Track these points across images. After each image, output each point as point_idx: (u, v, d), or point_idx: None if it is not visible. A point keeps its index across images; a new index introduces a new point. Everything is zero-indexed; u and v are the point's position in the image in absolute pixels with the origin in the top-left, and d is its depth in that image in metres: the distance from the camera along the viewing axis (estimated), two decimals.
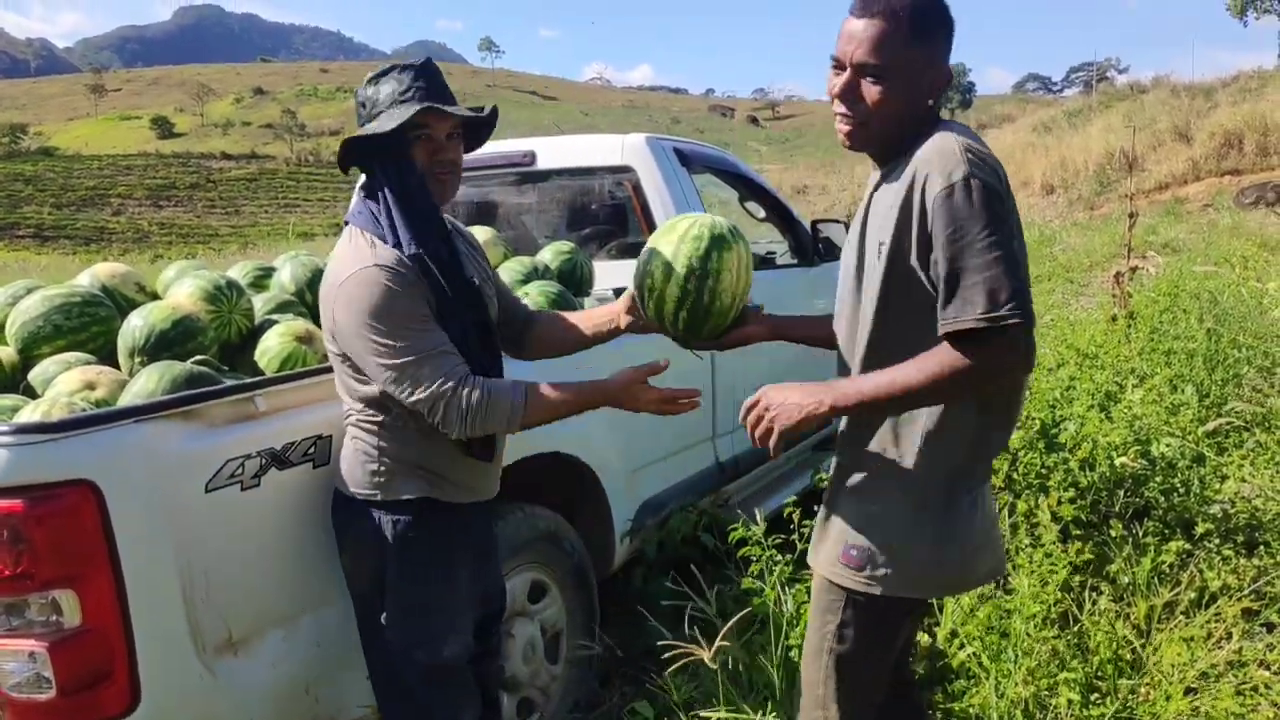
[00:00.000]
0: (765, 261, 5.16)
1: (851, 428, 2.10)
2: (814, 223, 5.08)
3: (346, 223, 2.32)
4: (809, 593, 2.98)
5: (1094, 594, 3.36)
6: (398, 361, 2.08)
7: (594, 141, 4.38)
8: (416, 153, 2.22)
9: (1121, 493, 3.90)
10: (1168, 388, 5.15)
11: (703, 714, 2.76)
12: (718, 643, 2.48)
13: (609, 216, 4.56)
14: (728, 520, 3.38)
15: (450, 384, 2.10)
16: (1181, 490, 4.04)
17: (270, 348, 2.93)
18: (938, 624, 3.21)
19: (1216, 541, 3.76)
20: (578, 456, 3.21)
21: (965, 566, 2.03)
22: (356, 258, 2.15)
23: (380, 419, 2.25)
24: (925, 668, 3.07)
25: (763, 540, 3.13)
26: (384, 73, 2.26)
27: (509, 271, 3.74)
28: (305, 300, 3.36)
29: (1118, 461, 3.92)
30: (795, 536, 3.15)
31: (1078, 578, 3.39)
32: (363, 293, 2.09)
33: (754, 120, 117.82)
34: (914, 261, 1.82)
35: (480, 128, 2.41)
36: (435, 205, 2.29)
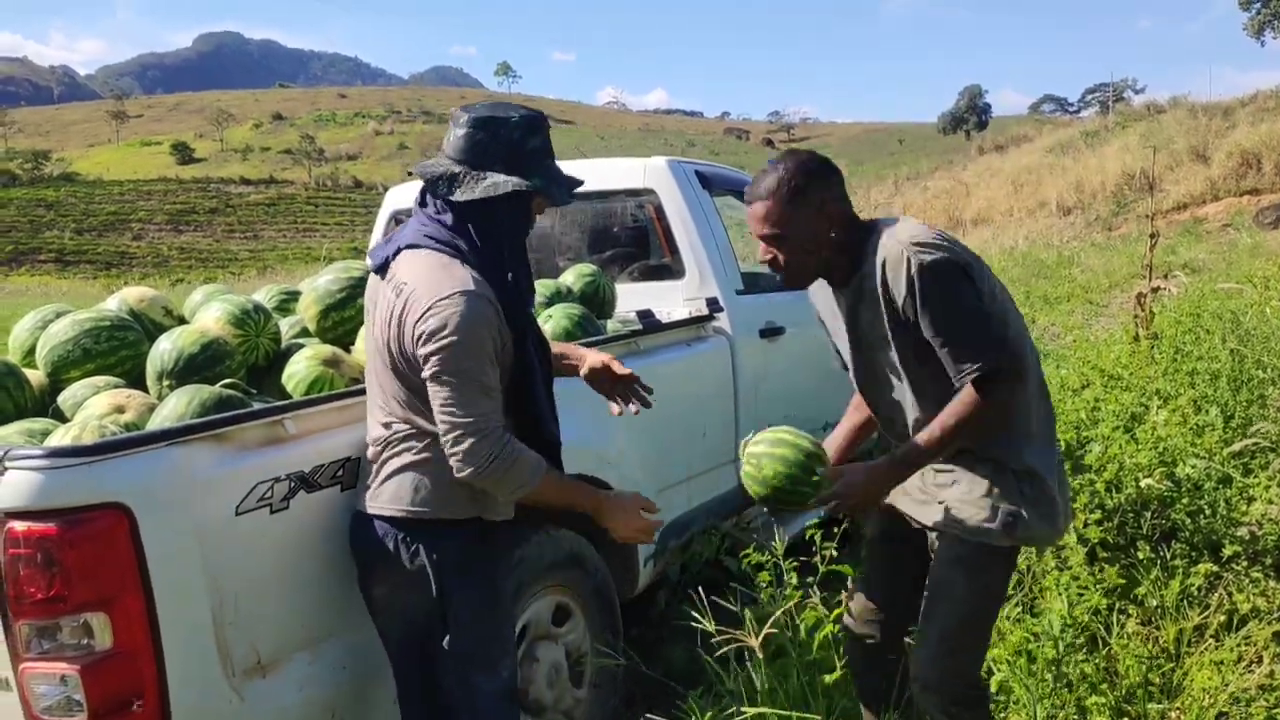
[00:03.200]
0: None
1: None
2: None
3: (411, 246, 2.31)
4: (820, 618, 2.98)
5: (1122, 617, 3.33)
6: (465, 383, 2.13)
7: (616, 165, 4.41)
8: (532, 210, 2.38)
9: (1148, 514, 3.86)
10: (1192, 409, 5.11)
11: None
12: (765, 629, 2.57)
13: (631, 239, 4.58)
14: (750, 542, 3.37)
15: (496, 423, 2.17)
16: (1208, 512, 4.00)
17: (297, 371, 2.95)
18: None
19: (1245, 564, 3.72)
20: (602, 478, 3.21)
21: (1064, 519, 2.48)
22: (455, 278, 2.19)
23: (437, 446, 2.25)
24: None
25: (780, 564, 3.12)
26: (534, 123, 2.32)
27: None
28: None
29: (1144, 483, 3.89)
30: (816, 559, 3.13)
31: (1106, 601, 3.36)
32: (466, 311, 2.13)
33: (769, 143, 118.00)
34: (922, 335, 2.26)
35: None
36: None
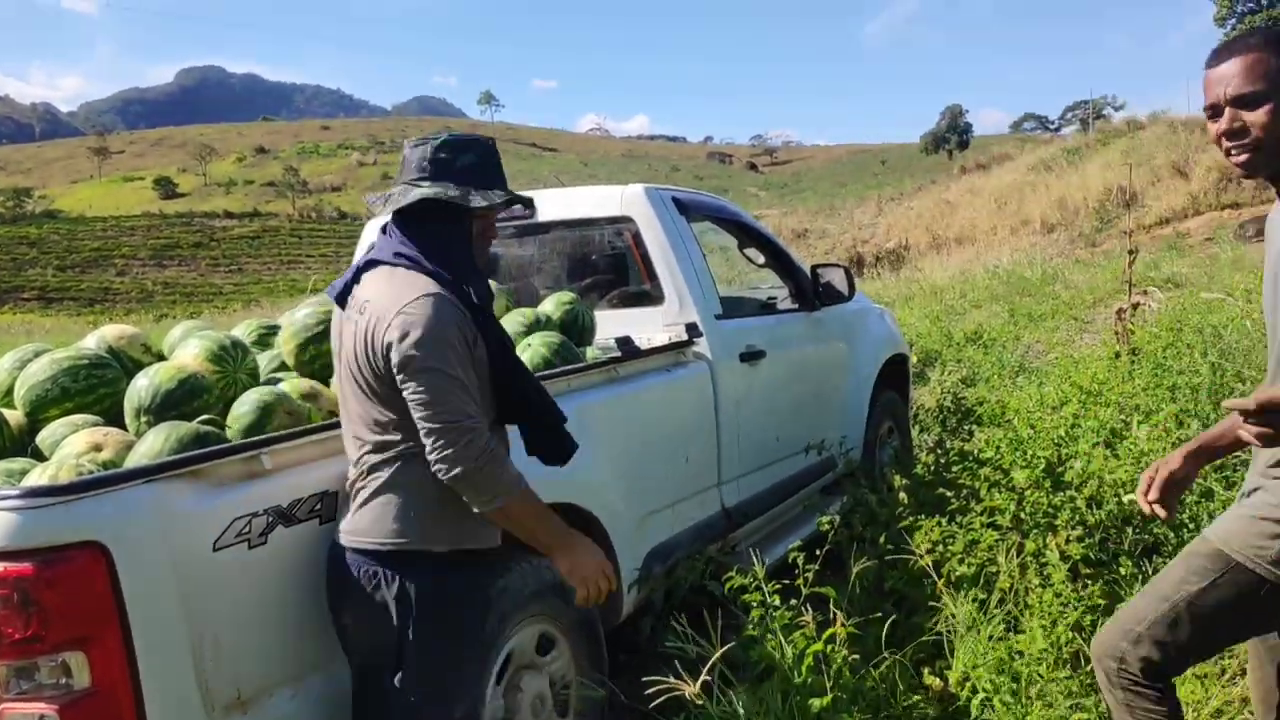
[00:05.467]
0: (766, 307, 5.20)
1: None
2: (814, 268, 5.11)
3: (371, 264, 2.37)
4: (808, 639, 2.98)
5: None
6: (440, 381, 2.15)
7: (593, 193, 4.43)
8: (475, 221, 2.39)
9: (1130, 530, 3.88)
10: (1173, 423, 5.14)
11: None
12: (701, 677, 2.54)
13: (609, 266, 4.60)
14: (734, 567, 3.37)
15: (479, 421, 2.19)
16: (1190, 526, 4.02)
17: (243, 414, 2.92)
18: (949, 667, 3.19)
19: None
20: (584, 506, 3.21)
21: None
22: (415, 285, 2.23)
23: (418, 468, 2.25)
24: (937, 710, 3.05)
25: (763, 587, 3.12)
26: (465, 143, 2.38)
27: (511, 324, 3.77)
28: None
29: (1125, 499, 3.91)
30: (800, 581, 3.14)
31: (1089, 617, 3.37)
32: (430, 312, 2.17)
33: (753, 166, 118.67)
34: None
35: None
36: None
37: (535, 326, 3.74)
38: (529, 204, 2.55)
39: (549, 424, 2.49)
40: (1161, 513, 2.28)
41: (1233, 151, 1.99)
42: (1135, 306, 6.62)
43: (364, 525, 2.29)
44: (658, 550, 3.66)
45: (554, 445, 2.51)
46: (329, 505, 2.45)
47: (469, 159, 2.33)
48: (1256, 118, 1.93)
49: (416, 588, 2.27)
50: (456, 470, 2.15)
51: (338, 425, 2.50)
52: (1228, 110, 1.96)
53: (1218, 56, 1.99)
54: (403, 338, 2.16)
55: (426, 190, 2.29)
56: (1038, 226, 31.26)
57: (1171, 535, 3.93)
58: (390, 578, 2.27)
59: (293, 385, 3.01)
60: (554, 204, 4.41)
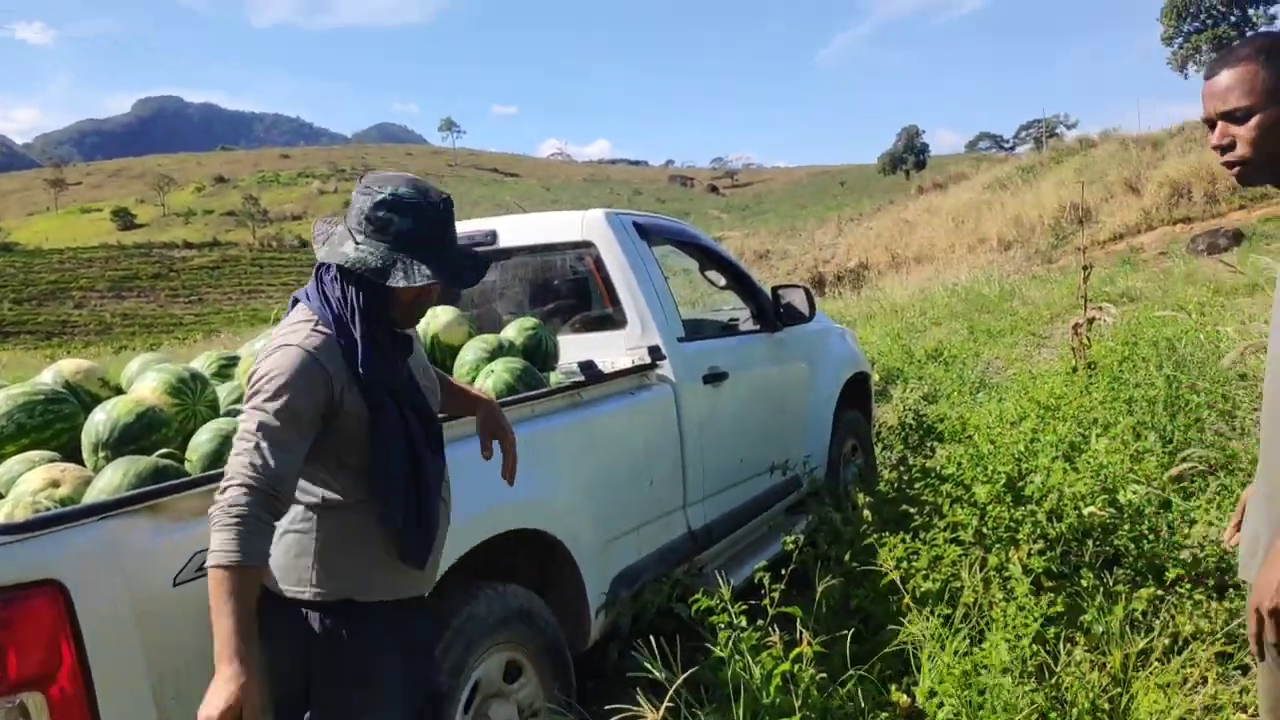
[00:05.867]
0: (729, 329, 5.23)
1: None
2: (775, 289, 5.16)
3: (297, 299, 2.31)
4: (775, 659, 2.99)
5: (1069, 645, 3.37)
6: (255, 433, 2.03)
7: (554, 219, 4.45)
8: (407, 291, 2.20)
9: (1091, 542, 3.93)
10: (1131, 435, 5.22)
11: None
12: (665, 702, 2.48)
13: (572, 291, 4.61)
14: (701, 589, 3.37)
15: (265, 484, 2.00)
16: (1151, 537, 4.08)
17: (200, 444, 2.90)
18: (916, 683, 3.21)
19: (1188, 586, 3.79)
20: (550, 532, 3.21)
21: None
22: (290, 333, 2.17)
23: (313, 516, 2.20)
24: None
25: (729, 608, 3.13)
26: (405, 205, 2.17)
27: (474, 350, 3.77)
28: None
29: (1085, 511, 3.96)
30: (766, 601, 3.15)
31: (1052, 629, 3.40)
32: (284, 363, 2.08)
33: (714, 189, 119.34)
34: None
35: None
36: (402, 332, 2.31)
37: (498, 352, 3.74)
38: (467, 279, 2.28)
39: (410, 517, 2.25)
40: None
41: (1226, 163, 2.02)
42: (1091, 322, 6.72)
43: (272, 565, 2.19)
44: (624, 574, 3.65)
45: (407, 542, 2.25)
46: None
47: (407, 224, 2.15)
48: (1243, 132, 1.94)
49: (318, 630, 2.19)
50: (216, 508, 2.00)
51: None
52: (1219, 124, 1.98)
53: (1213, 68, 2.00)
54: (251, 375, 2.13)
55: (350, 254, 2.15)
56: (995, 244, 31.65)
57: (1132, 547, 3.99)
58: (298, 618, 2.19)
59: None
60: (516, 230, 4.42)
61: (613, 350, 4.17)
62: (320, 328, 2.17)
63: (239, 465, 2.01)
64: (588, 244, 4.21)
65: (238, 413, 3.08)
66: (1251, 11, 62.87)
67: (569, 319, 4.50)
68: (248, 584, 1.98)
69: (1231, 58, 1.95)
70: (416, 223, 2.16)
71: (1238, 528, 2.27)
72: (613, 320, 4.26)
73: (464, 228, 4.48)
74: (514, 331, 3.98)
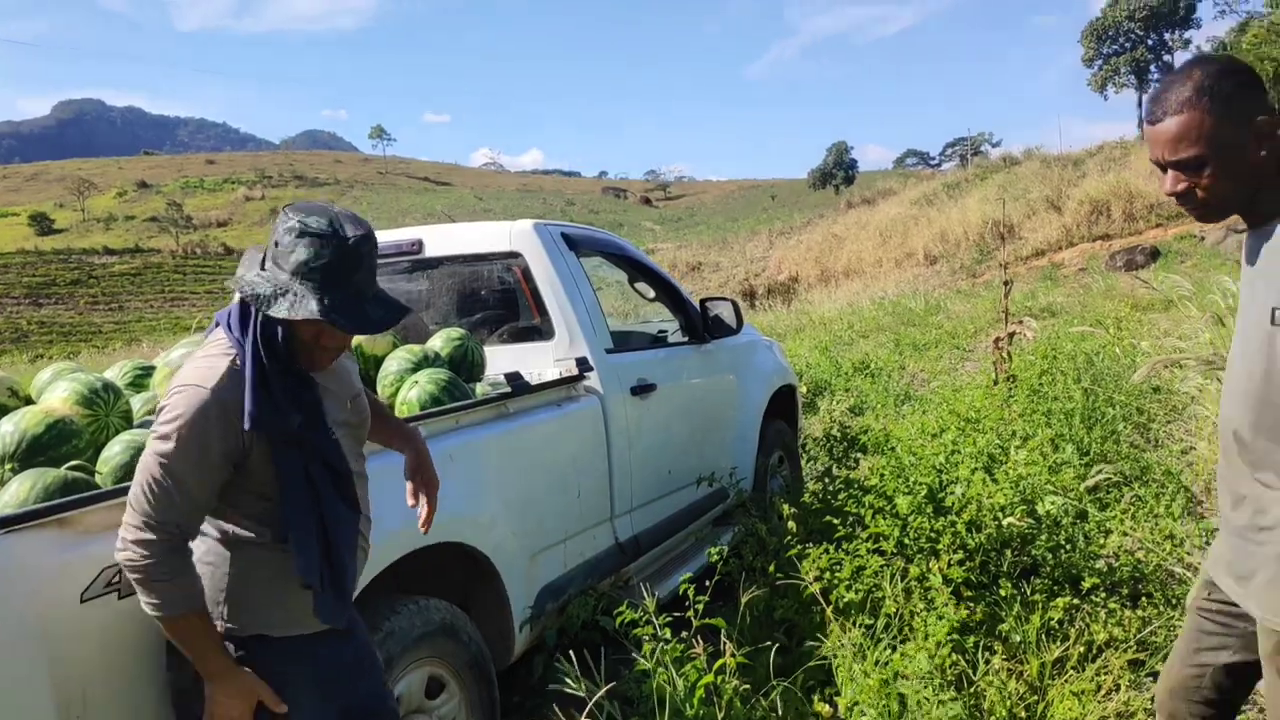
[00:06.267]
0: (657, 341, 5.24)
1: None
2: (703, 301, 5.19)
3: (216, 322, 2.22)
4: (699, 671, 2.99)
5: (988, 654, 3.43)
6: (155, 481, 1.99)
7: (482, 229, 4.42)
8: (300, 326, 2.10)
9: (1009, 552, 4.00)
10: (1049, 447, 5.33)
11: None
12: (584, 715, 2.47)
13: (499, 302, 4.59)
14: (626, 601, 3.37)
15: (170, 531, 2.00)
16: (1068, 547, 4.17)
17: (113, 455, 2.82)
18: (839, 693, 3.24)
19: (1103, 595, 3.88)
20: (473, 545, 3.18)
21: None
22: (200, 371, 2.07)
23: (226, 553, 2.15)
24: None
25: (654, 620, 3.13)
26: (316, 237, 2.03)
27: (398, 360, 3.73)
28: None
29: (1005, 522, 4.04)
30: (690, 614, 3.15)
31: (971, 638, 3.46)
32: (185, 407, 2.01)
33: (647, 201, 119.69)
34: None
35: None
36: (302, 371, 2.18)
37: (423, 363, 3.70)
38: (369, 323, 2.10)
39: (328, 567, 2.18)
40: None
41: (1185, 209, 2.01)
42: (1011, 336, 6.87)
43: None
44: (550, 587, 3.64)
45: (320, 604, 2.17)
46: None
47: (309, 254, 2.01)
48: (1200, 180, 1.92)
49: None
50: (125, 568, 1.99)
51: None
52: (1171, 172, 1.95)
53: (1154, 110, 1.96)
54: (161, 407, 2.06)
55: (246, 278, 2.06)
56: (921, 259, 32.26)
57: (1050, 556, 4.07)
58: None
59: None
60: (442, 240, 4.39)
61: (540, 362, 4.15)
62: (235, 363, 2.09)
63: (143, 509, 1.99)
64: (515, 254, 4.19)
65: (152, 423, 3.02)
66: (1167, 36, 65.00)
67: (496, 330, 4.48)
68: (206, 623, 2.06)
69: (1173, 99, 1.91)
70: (319, 254, 2.02)
71: None
72: (540, 331, 4.24)
73: (389, 237, 4.43)
74: (440, 342, 3.94)
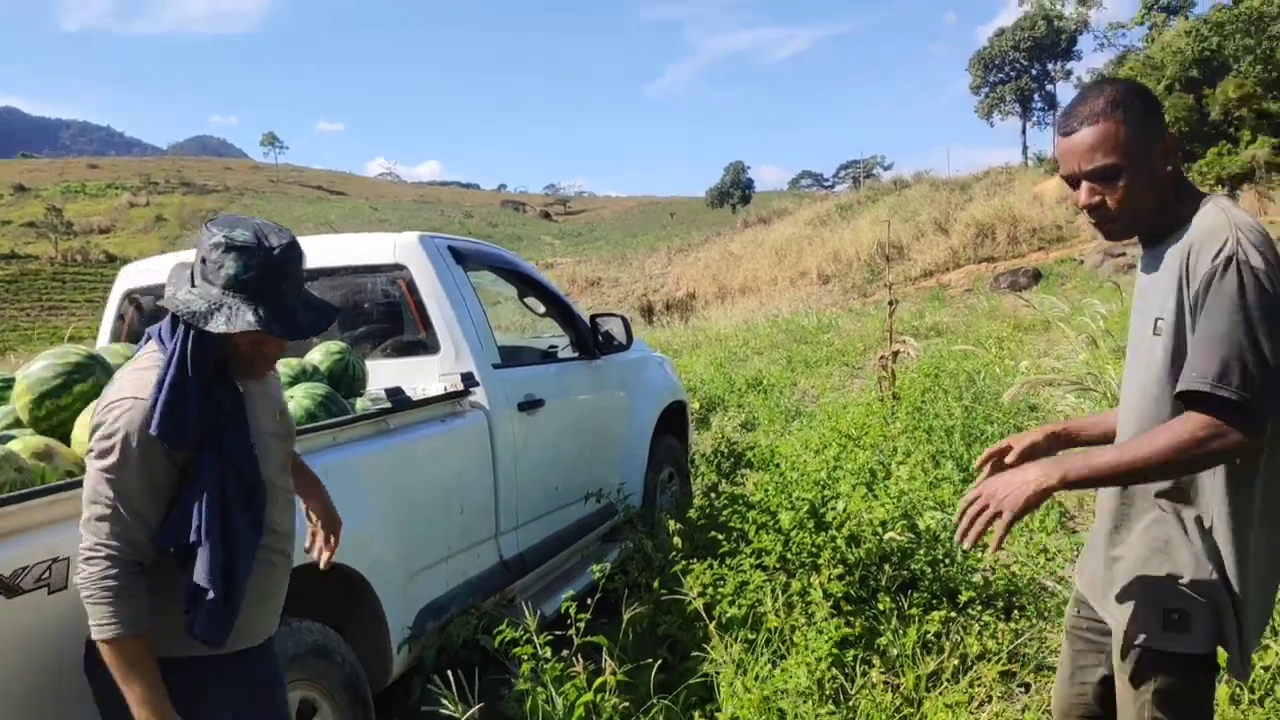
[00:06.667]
0: (547, 356, 5.22)
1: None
2: (593, 317, 5.18)
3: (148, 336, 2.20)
4: (579, 690, 2.97)
5: (866, 667, 3.48)
6: (107, 491, 2.00)
7: (366, 240, 4.34)
8: (242, 339, 2.11)
9: (889, 567, 4.08)
10: (930, 463, 5.47)
11: None
12: None
13: (383, 315, 4.50)
14: (507, 620, 3.33)
15: (117, 549, 2.00)
16: (946, 561, 4.27)
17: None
18: (719, 709, 3.25)
19: (979, 608, 3.98)
20: (348, 564, 3.10)
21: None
22: (136, 383, 2.08)
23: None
24: None
25: (534, 639, 3.10)
26: (242, 250, 2.06)
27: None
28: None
29: (886, 536, 4.11)
30: (572, 631, 3.13)
31: (850, 652, 3.51)
32: (125, 422, 2.02)
33: (546, 215, 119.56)
34: (1188, 335, 1.87)
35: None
36: (231, 384, 2.20)
37: (301, 377, 3.61)
38: (303, 327, 2.17)
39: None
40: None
41: (1095, 223, 2.02)
42: (896, 354, 7.03)
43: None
44: (431, 606, 3.57)
45: (202, 616, 2.09)
46: (60, 574, 2.26)
47: (238, 268, 2.05)
48: (1113, 192, 1.94)
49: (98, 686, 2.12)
50: (78, 584, 2.00)
51: (74, 486, 2.33)
52: (1085, 184, 1.97)
53: (1069, 122, 1.98)
54: (94, 435, 2.04)
55: (179, 297, 2.07)
56: (815, 277, 32.89)
57: (929, 570, 4.16)
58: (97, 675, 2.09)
59: (24, 443, 2.78)
60: (325, 251, 4.29)
61: (425, 377, 4.09)
62: (157, 378, 2.07)
63: (99, 534, 2.00)
64: (400, 267, 4.12)
65: (9, 439, 2.88)
66: (1050, 66, 67.64)
67: (380, 344, 4.39)
68: (140, 650, 2.01)
69: (1087, 112, 1.95)
70: (248, 267, 2.06)
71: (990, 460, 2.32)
72: (425, 346, 4.18)
73: None
74: (319, 355, 3.85)
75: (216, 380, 2.16)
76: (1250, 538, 1.90)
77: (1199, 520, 1.93)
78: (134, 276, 4.57)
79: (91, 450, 2.03)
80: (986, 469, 2.28)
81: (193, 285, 2.09)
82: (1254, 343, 1.77)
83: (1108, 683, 2.23)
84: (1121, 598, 2.03)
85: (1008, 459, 2.26)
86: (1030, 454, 2.26)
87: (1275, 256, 1.84)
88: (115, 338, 4.46)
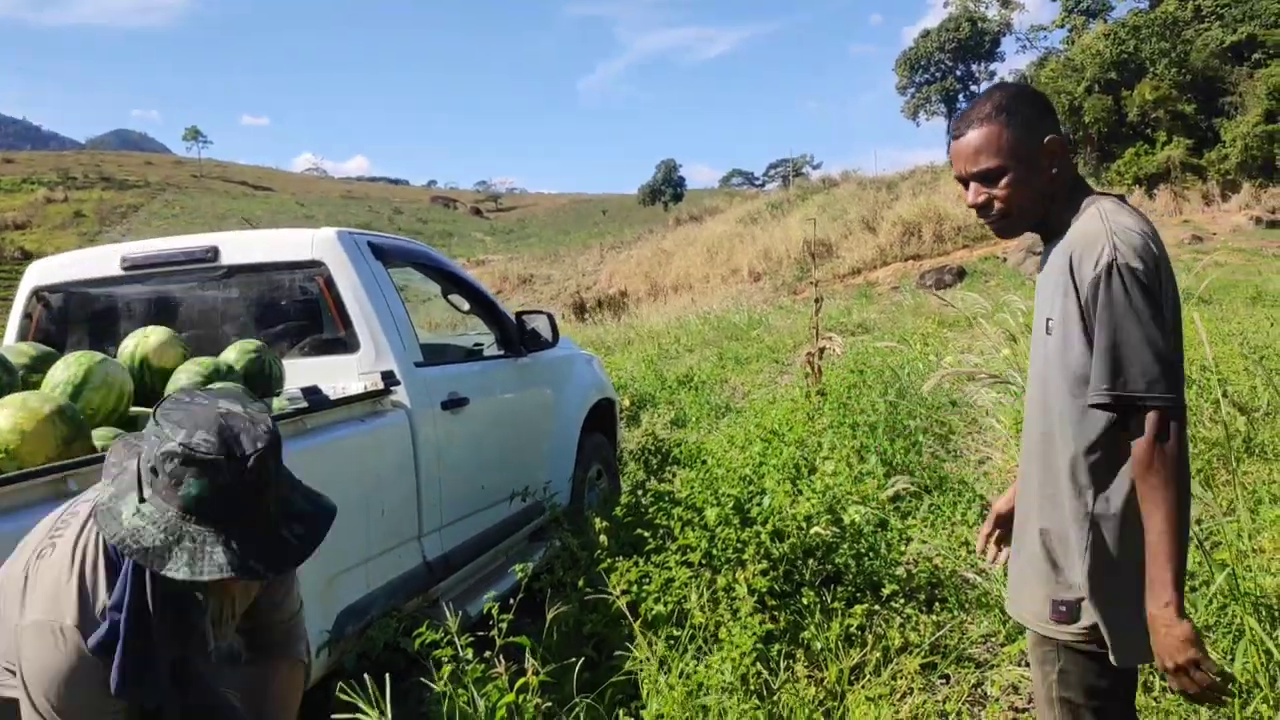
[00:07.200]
0: (472, 354, 5.16)
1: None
2: (519, 314, 5.14)
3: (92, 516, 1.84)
4: (501, 691, 2.93)
5: (790, 661, 3.50)
6: None
7: (282, 236, 4.24)
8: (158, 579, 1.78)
9: (813, 561, 4.10)
10: (855, 458, 5.52)
11: None
12: None
13: (301, 313, 4.40)
14: (427, 622, 3.27)
15: None
16: (870, 555, 4.31)
17: None
18: (644, 706, 3.23)
19: (902, 601, 4.03)
20: None
21: None
22: (59, 598, 1.75)
23: None
24: None
25: (455, 641, 3.05)
26: (205, 461, 1.67)
27: (188, 373, 3.53)
28: None
29: (811, 531, 4.14)
30: (494, 632, 3.10)
31: (775, 647, 3.52)
32: (52, 665, 1.72)
33: (478, 211, 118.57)
34: (1077, 337, 1.94)
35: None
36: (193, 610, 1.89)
37: (215, 376, 3.51)
38: (281, 563, 1.78)
39: None
40: (996, 554, 2.43)
41: (984, 221, 2.11)
42: (822, 351, 7.10)
43: None
44: (351, 609, 3.50)
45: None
46: None
47: (202, 488, 1.66)
48: (998, 191, 2.04)
49: None
50: None
51: None
52: (972, 185, 2.07)
53: (958, 127, 2.08)
54: (20, 665, 1.75)
55: (123, 523, 1.68)
56: (746, 275, 33.10)
57: (853, 564, 4.19)
58: None
59: None
60: (240, 248, 4.19)
61: (345, 375, 4.02)
62: (95, 590, 1.75)
63: None
64: (318, 264, 4.04)
65: None
66: (975, 67, 68.84)
67: (298, 342, 4.30)
68: None
69: (975, 116, 2.04)
70: (215, 488, 1.67)
71: (989, 538, 2.44)
72: (345, 344, 4.10)
73: (180, 244, 4.21)
74: (234, 354, 3.75)
75: (176, 615, 1.80)
76: (1131, 525, 1.95)
77: (1091, 516, 1.98)
78: (43, 273, 4.43)
79: (23, 677, 1.71)
80: (991, 547, 2.43)
81: (140, 499, 1.70)
82: (1150, 340, 1.84)
83: None
84: (1025, 586, 2.13)
85: (984, 531, 2.44)
86: (1004, 520, 2.38)
87: (1153, 254, 1.90)
88: (23, 336, 4.32)
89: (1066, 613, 2.01)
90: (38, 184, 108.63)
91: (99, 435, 3.14)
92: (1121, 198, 2.08)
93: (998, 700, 3.48)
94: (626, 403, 9.59)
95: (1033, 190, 2.03)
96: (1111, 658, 1.97)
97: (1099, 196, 2.05)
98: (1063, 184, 2.06)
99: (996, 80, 64.73)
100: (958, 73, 68.75)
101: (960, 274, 25.94)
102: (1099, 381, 1.87)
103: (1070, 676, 2.04)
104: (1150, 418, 1.84)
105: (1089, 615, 1.98)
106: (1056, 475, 2.02)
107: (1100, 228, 1.93)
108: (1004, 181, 2.02)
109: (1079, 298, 1.92)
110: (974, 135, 2.04)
